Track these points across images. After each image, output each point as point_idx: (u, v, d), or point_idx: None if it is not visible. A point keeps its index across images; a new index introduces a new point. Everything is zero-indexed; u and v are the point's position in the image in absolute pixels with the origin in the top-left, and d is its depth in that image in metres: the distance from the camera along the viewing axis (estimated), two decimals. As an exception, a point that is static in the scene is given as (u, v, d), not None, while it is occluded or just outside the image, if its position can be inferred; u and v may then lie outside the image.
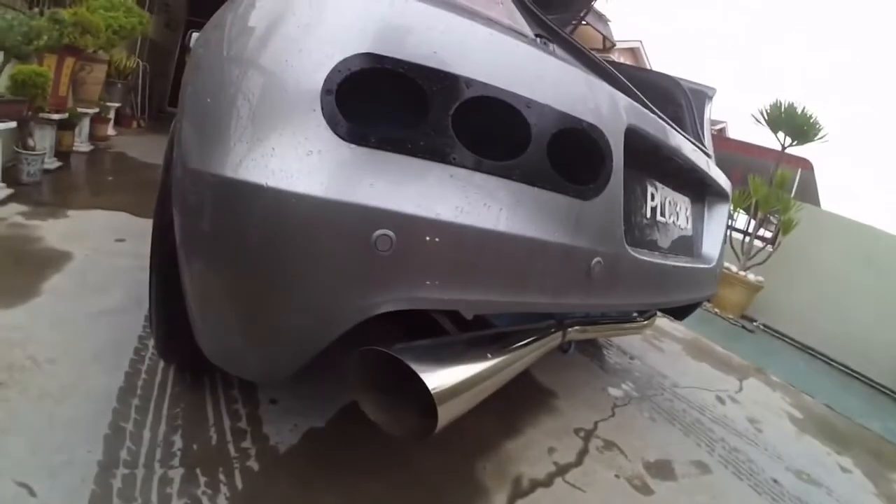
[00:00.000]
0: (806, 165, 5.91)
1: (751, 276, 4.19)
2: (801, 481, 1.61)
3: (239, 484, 0.89)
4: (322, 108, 0.58)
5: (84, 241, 1.66)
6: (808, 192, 6.72)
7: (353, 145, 0.58)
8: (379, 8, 0.62)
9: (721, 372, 2.56)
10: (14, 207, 1.77)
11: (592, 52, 0.95)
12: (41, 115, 2.25)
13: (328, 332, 0.64)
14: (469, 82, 0.63)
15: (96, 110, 3.11)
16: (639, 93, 1.01)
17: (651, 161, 1.08)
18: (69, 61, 2.39)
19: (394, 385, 0.69)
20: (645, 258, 0.95)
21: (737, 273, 4.22)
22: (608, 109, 0.81)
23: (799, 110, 4.12)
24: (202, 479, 0.87)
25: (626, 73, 2.04)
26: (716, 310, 4.33)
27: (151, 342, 1.21)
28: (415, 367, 0.62)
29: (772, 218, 4.51)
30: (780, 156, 4.48)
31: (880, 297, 3.89)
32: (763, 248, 4.34)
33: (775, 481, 1.54)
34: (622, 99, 0.87)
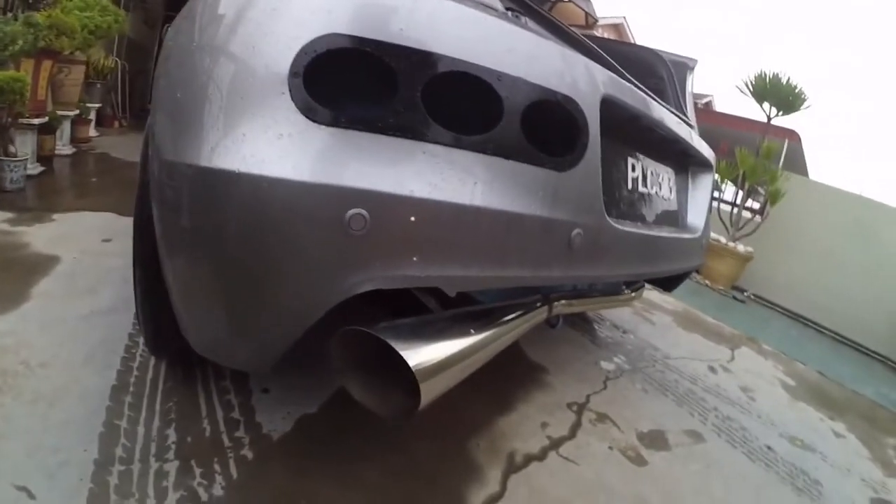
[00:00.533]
0: (793, 137, 5.91)
1: (740, 247, 4.23)
2: (794, 447, 1.64)
3: (234, 473, 0.90)
4: (290, 91, 0.58)
5: (71, 244, 1.65)
6: (796, 164, 6.73)
7: (322, 126, 0.58)
8: None
9: (712, 342, 2.60)
10: (-2, 215, 1.75)
11: (567, 25, 0.94)
12: (21, 120, 2.22)
13: (309, 315, 0.64)
14: (437, 58, 0.63)
15: (77, 112, 3.05)
16: (616, 64, 1.01)
17: (631, 132, 1.08)
18: (46, 64, 2.34)
19: (378, 365, 0.70)
20: (627, 229, 0.96)
21: (726, 244, 4.26)
22: (582, 80, 0.80)
23: (784, 80, 4.12)
24: (197, 471, 0.88)
25: (605, 47, 2.03)
26: (706, 281, 4.37)
27: (142, 340, 1.21)
28: (396, 345, 0.62)
29: (760, 189, 4.54)
30: (767, 127, 4.49)
31: (870, 265, 3.94)
32: (752, 218, 4.37)
33: (769, 448, 1.57)
34: (597, 70, 0.87)
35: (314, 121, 0.58)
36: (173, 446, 0.92)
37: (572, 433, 1.30)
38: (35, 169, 2.40)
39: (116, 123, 4.37)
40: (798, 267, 4.35)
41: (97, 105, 3.70)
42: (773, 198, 4.14)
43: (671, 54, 1.95)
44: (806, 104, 4.16)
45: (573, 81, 0.77)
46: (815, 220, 4.32)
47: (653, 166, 1.22)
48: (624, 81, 0.99)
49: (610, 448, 1.28)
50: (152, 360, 1.15)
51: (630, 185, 1.08)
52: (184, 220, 0.66)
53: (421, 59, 0.62)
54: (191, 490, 0.84)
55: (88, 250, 1.64)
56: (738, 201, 4.50)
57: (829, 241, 4.20)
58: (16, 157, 2.09)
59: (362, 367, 0.73)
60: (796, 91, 4.10)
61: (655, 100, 1.18)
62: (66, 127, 2.99)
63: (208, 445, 0.95)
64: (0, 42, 1.89)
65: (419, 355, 0.64)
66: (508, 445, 1.18)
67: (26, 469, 0.79)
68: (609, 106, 0.86)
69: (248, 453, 0.95)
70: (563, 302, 1.07)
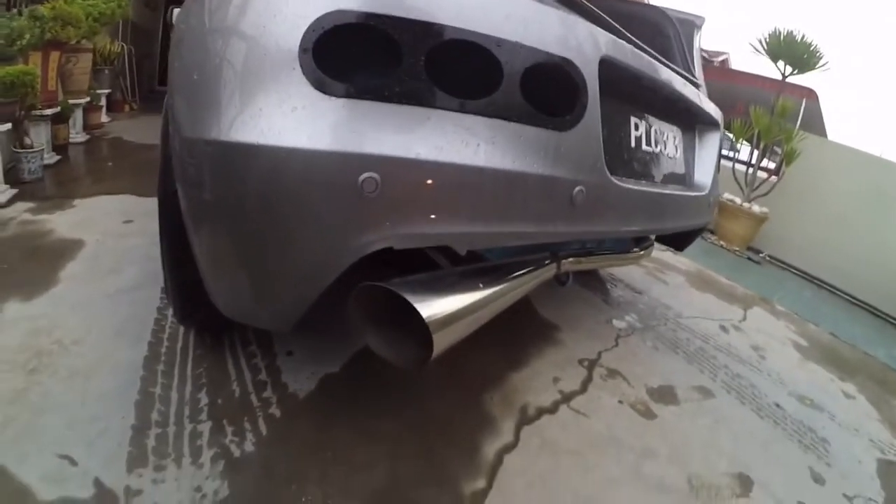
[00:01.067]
0: (811, 95, 5.72)
1: (755, 208, 4.16)
2: (803, 406, 1.65)
3: (263, 430, 0.97)
4: (301, 67, 0.62)
5: (93, 228, 1.71)
6: (814, 123, 6.53)
7: (333, 97, 0.62)
8: None
9: (725, 302, 2.60)
10: (20, 206, 1.82)
11: None
12: (34, 112, 2.27)
13: (327, 273, 0.69)
14: (438, 28, 0.65)
15: (87, 99, 3.09)
16: (618, 26, 1.00)
17: (633, 92, 1.08)
18: (54, 55, 2.37)
19: (393, 318, 0.75)
20: (631, 186, 0.97)
21: (741, 205, 4.19)
22: (580, 42, 0.81)
23: (798, 38, 3.95)
24: (229, 430, 0.95)
25: (610, 8, 1.97)
26: (721, 242, 4.33)
27: (170, 311, 1.27)
28: (410, 298, 0.66)
29: (776, 149, 4.42)
30: (783, 85, 4.34)
31: (887, 228, 3.84)
32: (767, 178, 4.28)
33: (778, 406, 1.59)
34: (596, 31, 0.87)
35: (325, 93, 0.62)
36: (206, 409, 0.99)
37: (583, 388, 1.35)
38: (51, 158, 2.46)
39: (127, 107, 4.41)
40: (814, 228, 4.26)
41: (107, 91, 3.74)
42: (788, 158, 4.03)
43: (678, 12, 1.90)
44: (822, 62, 4.00)
45: (570, 44, 0.78)
46: (832, 181, 4.21)
47: (657, 125, 1.22)
48: (625, 43, 0.99)
49: (620, 402, 1.33)
50: (181, 331, 1.22)
51: (634, 144, 1.08)
52: (206, 194, 0.70)
53: (422, 30, 0.65)
54: (224, 447, 0.91)
55: (110, 232, 1.71)
56: (754, 161, 4.40)
57: (847, 202, 4.09)
58: (32, 148, 2.14)
59: (379, 321, 0.77)
60: (811, 49, 3.94)
61: (660, 60, 1.17)
62: (79, 115, 3.04)
63: (238, 406, 1.02)
64: (8, 38, 1.91)
65: (431, 308, 0.68)
66: (521, 399, 1.23)
67: (67, 439, 0.86)
68: (609, 67, 0.87)
69: (275, 412, 1.02)
70: (571, 259, 1.09)
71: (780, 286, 3.59)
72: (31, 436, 0.85)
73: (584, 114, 0.80)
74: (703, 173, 1.44)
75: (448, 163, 0.65)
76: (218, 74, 0.67)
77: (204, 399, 1.02)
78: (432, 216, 0.67)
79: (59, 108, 2.55)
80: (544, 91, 0.74)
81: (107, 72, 3.70)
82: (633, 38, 1.05)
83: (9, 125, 1.97)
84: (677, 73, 1.32)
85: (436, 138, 0.65)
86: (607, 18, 0.97)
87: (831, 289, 4.02)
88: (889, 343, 2.99)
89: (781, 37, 4.09)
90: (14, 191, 1.93)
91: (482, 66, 0.70)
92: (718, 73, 8.65)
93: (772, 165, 4.70)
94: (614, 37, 0.95)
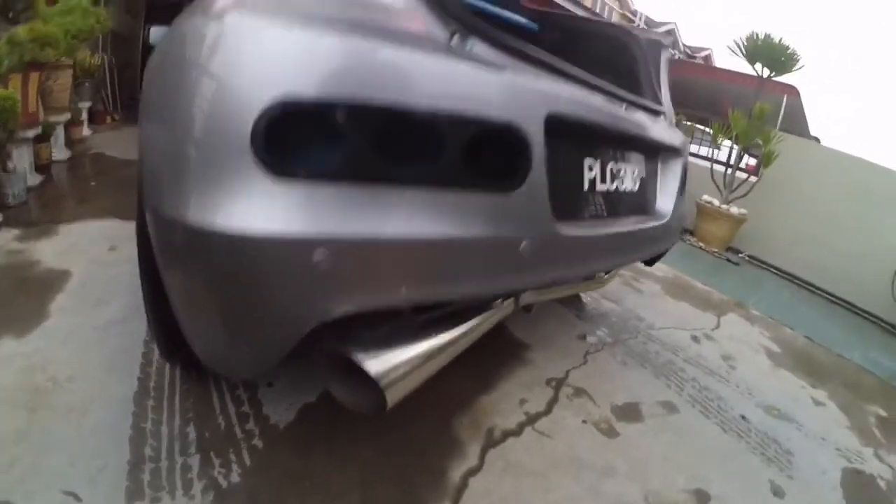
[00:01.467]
0: (792, 91, 5.82)
1: (733, 210, 4.27)
2: (770, 417, 1.69)
3: (248, 461, 1.04)
4: (253, 152, 0.65)
5: (79, 256, 1.76)
6: (796, 119, 6.65)
7: (282, 180, 0.66)
8: (294, 51, 0.68)
9: (699, 309, 2.67)
10: (7, 234, 1.85)
11: (520, 41, 0.97)
12: (15, 136, 2.28)
13: (290, 339, 0.74)
14: (378, 107, 0.69)
15: (68, 116, 3.09)
16: (572, 71, 1.05)
17: (587, 136, 1.13)
18: (34, 76, 2.37)
19: (352, 367, 0.81)
20: (580, 232, 1.03)
21: (719, 207, 4.30)
22: (523, 103, 0.85)
23: (776, 41, 4.05)
24: (216, 461, 1.02)
25: (575, 27, 2.01)
26: (700, 244, 4.44)
27: (156, 346, 1.33)
28: (360, 356, 0.73)
29: (759, 142, 4.52)
30: (763, 83, 4.44)
31: (866, 226, 3.94)
32: (746, 179, 4.38)
33: (743, 418, 1.62)
34: (544, 88, 0.92)
35: (275, 175, 0.65)
36: (194, 442, 1.06)
37: (549, 409, 1.42)
38: (35, 179, 2.48)
39: (108, 118, 4.40)
40: (794, 227, 4.38)
41: (88, 104, 3.74)
42: (766, 160, 4.14)
43: (646, 31, 1.96)
44: (799, 65, 4.11)
45: (512, 107, 0.83)
46: (811, 180, 4.33)
47: (614, 163, 1.27)
48: (579, 88, 1.04)
49: (584, 422, 1.40)
50: (167, 366, 1.27)
51: (587, 187, 1.14)
52: (169, 259, 0.76)
53: (367, 110, 0.69)
54: (212, 479, 0.98)
55: (96, 260, 1.75)
56: (732, 161, 4.50)
57: (826, 201, 4.21)
58: (14, 171, 2.17)
59: (342, 372, 0.84)
60: (789, 52, 4.04)
61: (620, 97, 1.22)
62: (60, 132, 3.05)
63: (224, 438, 1.09)
64: None
65: (383, 362, 0.75)
66: (489, 422, 1.31)
67: (70, 476, 0.93)
68: (558, 119, 0.92)
69: (258, 442, 1.09)
70: (529, 293, 1.15)
71: (758, 288, 3.68)
72: (36, 474, 0.92)
73: (528, 173, 0.84)
74: (666, 200, 1.50)
75: (395, 238, 0.71)
76: (174, 155, 0.71)
77: (192, 433, 1.08)
78: (383, 286, 0.73)
79: (40, 129, 2.57)
80: (487, 156, 0.79)
81: (87, 85, 3.69)
82: (590, 79, 1.10)
83: (-10, 152, 1.99)
84: (640, 106, 1.37)
85: (381, 213, 0.70)
86: (562, 66, 1.02)
87: (811, 288, 4.13)
88: (865, 344, 3.02)
89: (759, 39, 4.18)
90: (-1, 217, 1.96)
91: (425, 139, 0.74)
92: (702, 71, 8.76)
93: (753, 162, 4.80)
94: (568, 83, 1.00)
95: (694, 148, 6.63)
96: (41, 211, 2.19)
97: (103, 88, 4.41)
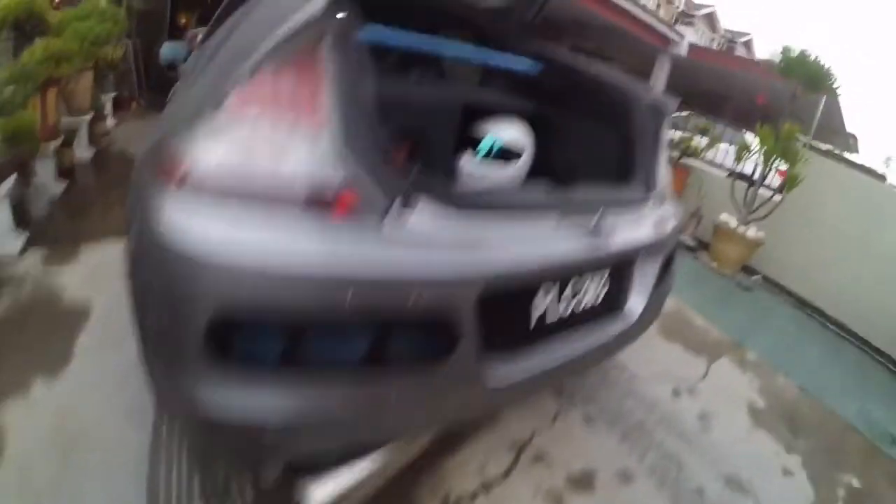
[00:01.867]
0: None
1: (750, 232, 4.12)
2: (728, 490, 1.64)
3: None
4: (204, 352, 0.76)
5: (102, 285, 1.90)
6: (833, 120, 6.28)
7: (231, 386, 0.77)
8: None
9: (691, 354, 2.56)
10: (34, 255, 2.00)
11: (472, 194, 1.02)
12: (37, 153, 2.37)
13: None
14: (308, 307, 0.75)
15: (91, 115, 3.17)
16: (533, 196, 1.06)
17: (536, 280, 1.11)
18: (52, 91, 2.44)
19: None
20: (518, 378, 1.05)
21: (735, 228, 4.16)
22: (453, 282, 0.87)
23: (811, 58, 3.77)
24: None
25: (578, 76, 1.91)
26: (714, 263, 4.32)
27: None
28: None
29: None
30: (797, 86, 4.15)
31: (887, 256, 3.76)
32: (769, 199, 4.16)
33: (699, 491, 1.59)
34: (484, 255, 0.91)
35: (224, 378, 0.77)
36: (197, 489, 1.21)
37: (506, 474, 1.47)
38: (58, 188, 2.60)
39: (133, 104, 4.50)
40: (813, 251, 4.21)
41: (112, 94, 3.83)
42: (790, 182, 3.94)
43: (651, 90, 1.87)
44: (835, 83, 3.84)
45: (441, 295, 0.85)
46: (835, 204, 4.12)
47: (575, 282, 1.22)
48: (531, 229, 1.04)
49: (534, 493, 1.45)
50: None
51: (533, 324, 1.13)
52: None
53: (289, 313, 0.75)
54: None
55: (117, 290, 1.87)
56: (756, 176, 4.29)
57: (847, 227, 4.02)
58: (38, 187, 2.30)
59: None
60: (824, 70, 3.77)
61: (594, 202, 1.20)
62: (83, 130, 3.15)
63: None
64: (8, 104, 2.00)
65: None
66: (446, 486, 1.37)
67: None
68: (500, 281, 0.95)
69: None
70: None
71: (763, 323, 3.48)
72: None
73: (456, 346, 0.88)
74: (638, 300, 1.43)
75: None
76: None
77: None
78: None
79: (62, 138, 2.66)
80: (412, 336, 0.84)
81: (111, 77, 3.77)
82: (553, 200, 1.10)
83: (14, 175, 2.11)
84: (622, 201, 1.33)
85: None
86: (522, 199, 1.03)
87: (822, 319, 3.96)
88: (865, 392, 2.85)
89: (793, 56, 3.92)
90: (26, 234, 2.09)
91: (353, 330, 0.80)
92: (738, 63, 8.23)
93: (779, 180, 4.57)
94: (522, 224, 1.01)
95: (722, 151, 6.35)
96: (66, 222, 2.33)
97: (128, 77, 4.48)
